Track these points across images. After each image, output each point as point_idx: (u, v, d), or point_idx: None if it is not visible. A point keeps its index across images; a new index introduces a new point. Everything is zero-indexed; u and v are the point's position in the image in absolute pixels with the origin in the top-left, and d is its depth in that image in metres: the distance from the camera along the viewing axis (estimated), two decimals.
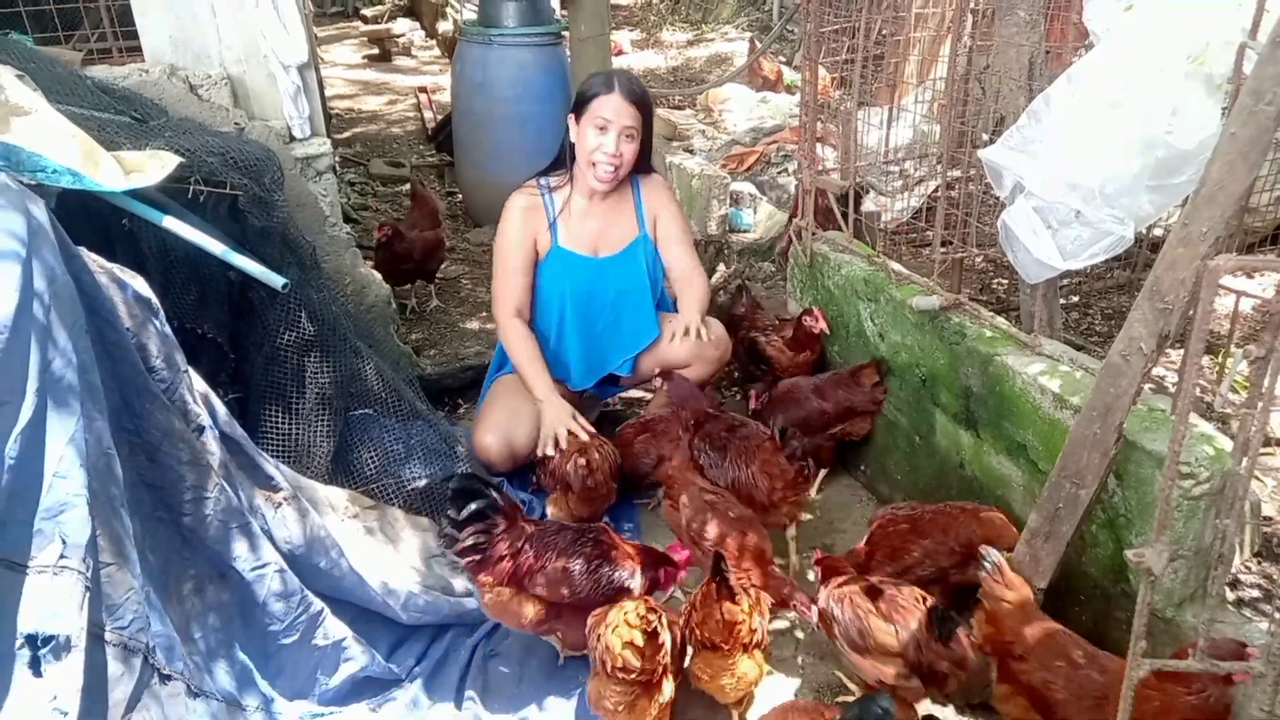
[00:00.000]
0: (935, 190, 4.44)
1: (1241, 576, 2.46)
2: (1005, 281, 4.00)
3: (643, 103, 2.99)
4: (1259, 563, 2.53)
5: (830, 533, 2.97)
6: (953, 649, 2.06)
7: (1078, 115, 1.96)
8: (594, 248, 3.16)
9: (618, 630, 1.98)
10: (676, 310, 3.31)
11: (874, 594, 2.19)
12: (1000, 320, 2.62)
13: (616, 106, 2.93)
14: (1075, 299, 3.94)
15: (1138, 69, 1.91)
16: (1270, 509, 2.63)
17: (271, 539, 2.10)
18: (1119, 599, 2.21)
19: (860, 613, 2.15)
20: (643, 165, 3.21)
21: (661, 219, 3.22)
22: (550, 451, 2.90)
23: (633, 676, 1.97)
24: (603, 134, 2.95)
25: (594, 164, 2.98)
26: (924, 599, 2.14)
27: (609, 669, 1.98)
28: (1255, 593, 2.44)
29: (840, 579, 2.26)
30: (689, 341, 3.15)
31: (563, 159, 3.12)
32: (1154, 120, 1.88)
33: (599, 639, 2.03)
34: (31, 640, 1.42)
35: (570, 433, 2.91)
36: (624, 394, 3.63)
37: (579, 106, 3.01)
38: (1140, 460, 2.04)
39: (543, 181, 3.16)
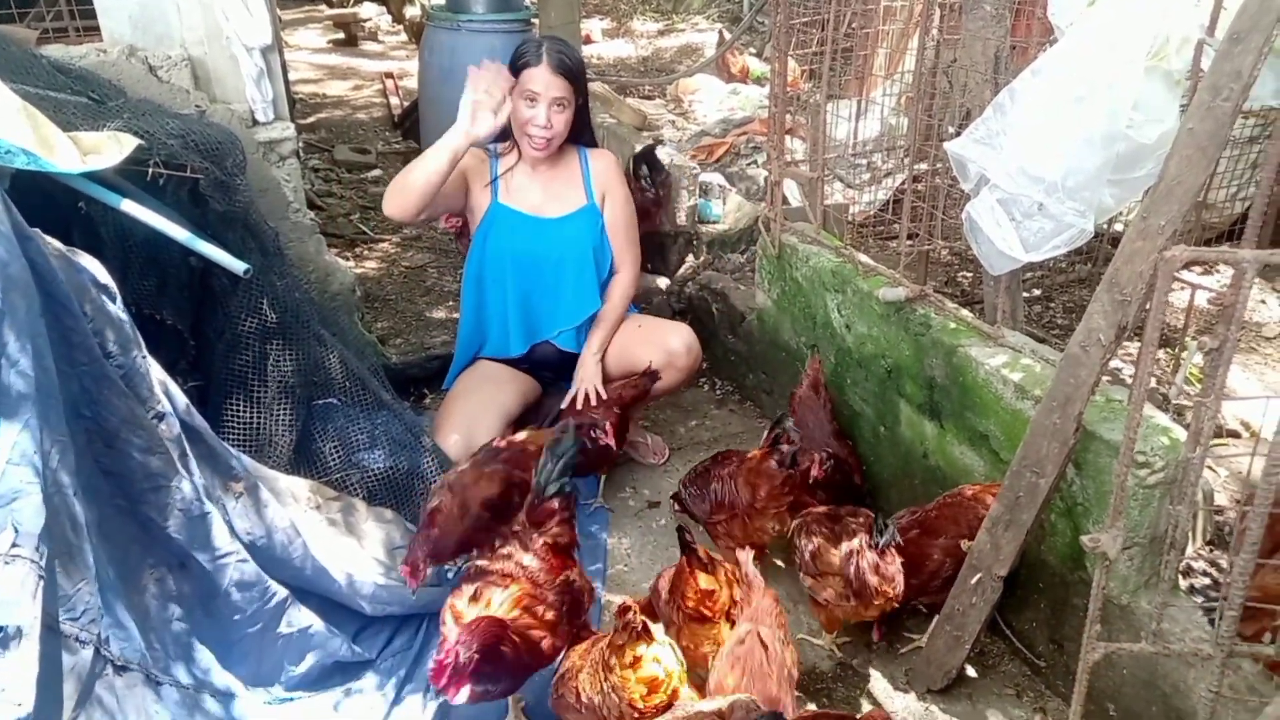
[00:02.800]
0: (902, 183, 4.49)
1: (1193, 564, 2.52)
2: (970, 274, 4.05)
3: (572, 73, 2.98)
4: (1210, 550, 2.59)
5: None
6: (885, 563, 2.27)
7: (1041, 109, 1.99)
8: (537, 208, 3.15)
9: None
10: (633, 308, 3.31)
11: (833, 520, 2.43)
12: (965, 312, 2.65)
13: (545, 79, 2.93)
14: (1037, 292, 3.99)
15: (1100, 64, 1.94)
16: (1222, 498, 2.70)
17: (232, 529, 2.07)
18: (1076, 586, 2.25)
19: (816, 538, 2.39)
20: (586, 137, 3.22)
21: (610, 199, 3.21)
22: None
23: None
24: (532, 106, 2.95)
25: (528, 135, 2.99)
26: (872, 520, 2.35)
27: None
28: (1206, 580, 2.50)
29: (808, 512, 2.50)
30: (659, 348, 3.11)
31: (507, 131, 3.11)
32: (1115, 115, 1.91)
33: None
34: None
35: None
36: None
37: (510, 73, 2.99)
38: (1098, 449, 2.08)
39: (490, 147, 3.16)
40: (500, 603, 2.03)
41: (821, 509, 2.52)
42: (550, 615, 2.07)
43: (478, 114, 2.80)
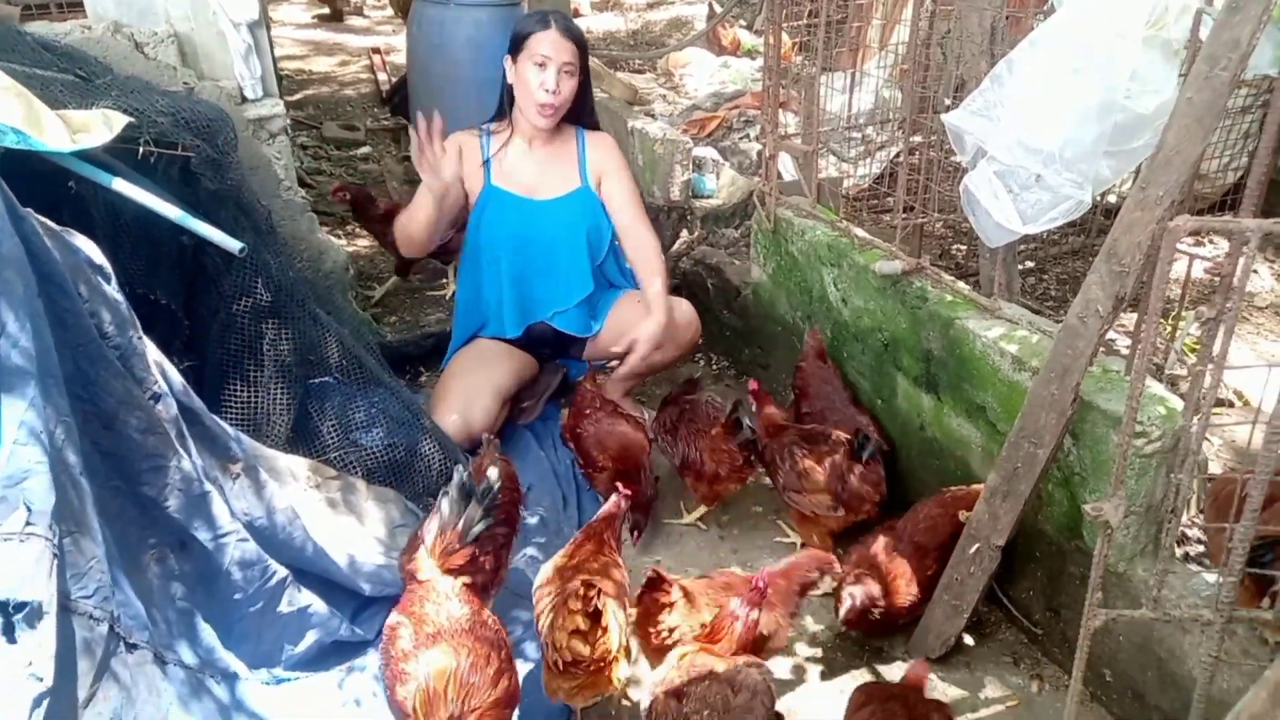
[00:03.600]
0: (897, 156, 4.48)
1: (1188, 532, 2.55)
2: (964, 247, 4.05)
3: (580, 40, 2.97)
4: (1205, 518, 2.61)
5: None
6: (868, 472, 2.54)
7: (1039, 80, 1.98)
8: (530, 191, 3.13)
9: (562, 622, 1.95)
10: (635, 284, 3.29)
11: (811, 440, 2.64)
12: (961, 285, 2.66)
13: (555, 42, 2.91)
14: (1031, 264, 4.00)
15: (1097, 34, 1.93)
16: (1216, 467, 2.72)
17: (231, 509, 2.07)
18: (1073, 555, 2.27)
19: (801, 459, 2.59)
20: (587, 119, 3.19)
21: (607, 180, 3.17)
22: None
23: (584, 666, 1.94)
24: (542, 70, 2.92)
25: (537, 102, 2.95)
26: (849, 438, 2.57)
27: (560, 666, 1.94)
28: (1200, 548, 2.53)
29: (780, 431, 2.70)
30: (651, 323, 3.02)
31: (503, 108, 3.08)
32: (1113, 85, 1.91)
33: (541, 634, 2.00)
34: (3, 606, 1.39)
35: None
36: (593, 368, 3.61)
37: (515, 46, 2.98)
38: (1095, 420, 2.09)
39: (483, 126, 3.13)
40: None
41: (796, 430, 2.71)
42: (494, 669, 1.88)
43: (432, 170, 2.87)
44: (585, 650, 1.94)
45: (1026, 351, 2.31)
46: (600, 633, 1.95)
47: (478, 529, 2.14)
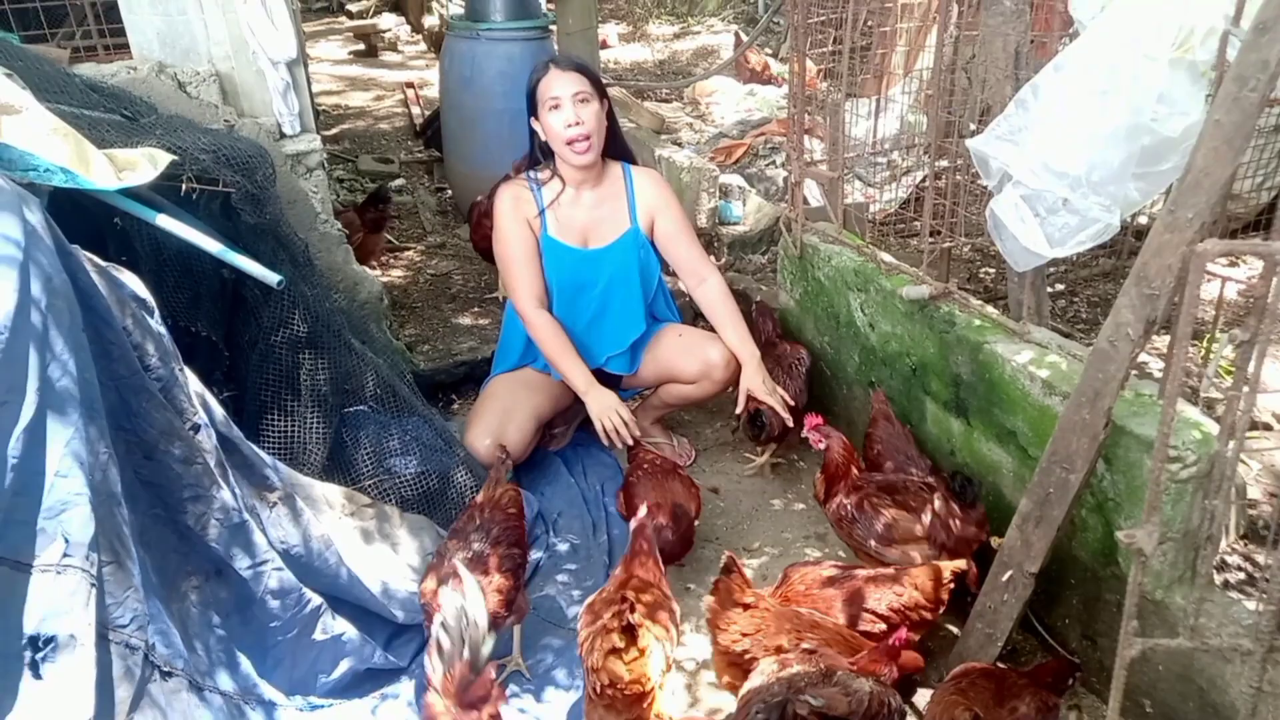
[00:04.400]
0: (922, 181, 4.48)
1: (1227, 559, 2.50)
2: (992, 270, 4.03)
3: (582, 68, 2.98)
4: (1244, 544, 2.56)
5: (823, 522, 2.99)
6: (973, 514, 2.45)
7: (1064, 104, 1.99)
8: (583, 239, 3.14)
9: (600, 642, 1.95)
10: (677, 316, 3.34)
11: (890, 490, 2.53)
12: (989, 309, 2.65)
13: (559, 80, 2.93)
14: (1061, 287, 3.97)
15: (1123, 57, 1.93)
16: (1255, 491, 2.67)
17: (268, 537, 2.10)
18: (1109, 581, 2.24)
19: (887, 511, 2.50)
20: (620, 147, 3.20)
21: (660, 218, 3.17)
22: (606, 443, 2.98)
23: (622, 690, 1.91)
24: (559, 111, 2.94)
25: (567, 142, 2.95)
26: (933, 484, 2.50)
27: (598, 689, 1.93)
28: (1240, 575, 2.48)
29: (848, 483, 2.59)
30: (698, 360, 3.11)
31: (537, 160, 3.12)
32: (1140, 108, 1.91)
33: (584, 658, 2.00)
34: (33, 641, 1.43)
35: (625, 427, 2.94)
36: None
37: (530, 103, 3.01)
38: (1128, 445, 2.07)
39: (530, 175, 3.15)
40: None
41: (874, 480, 2.60)
42: None
43: (604, 428, 2.97)
44: (623, 672, 1.92)
45: (1057, 376, 2.30)
46: (638, 654, 1.94)
47: (487, 650, 2.00)
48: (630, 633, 1.94)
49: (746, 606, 2.13)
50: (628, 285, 3.18)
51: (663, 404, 3.29)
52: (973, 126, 2.67)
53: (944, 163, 3.06)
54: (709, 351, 3.12)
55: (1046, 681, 2.10)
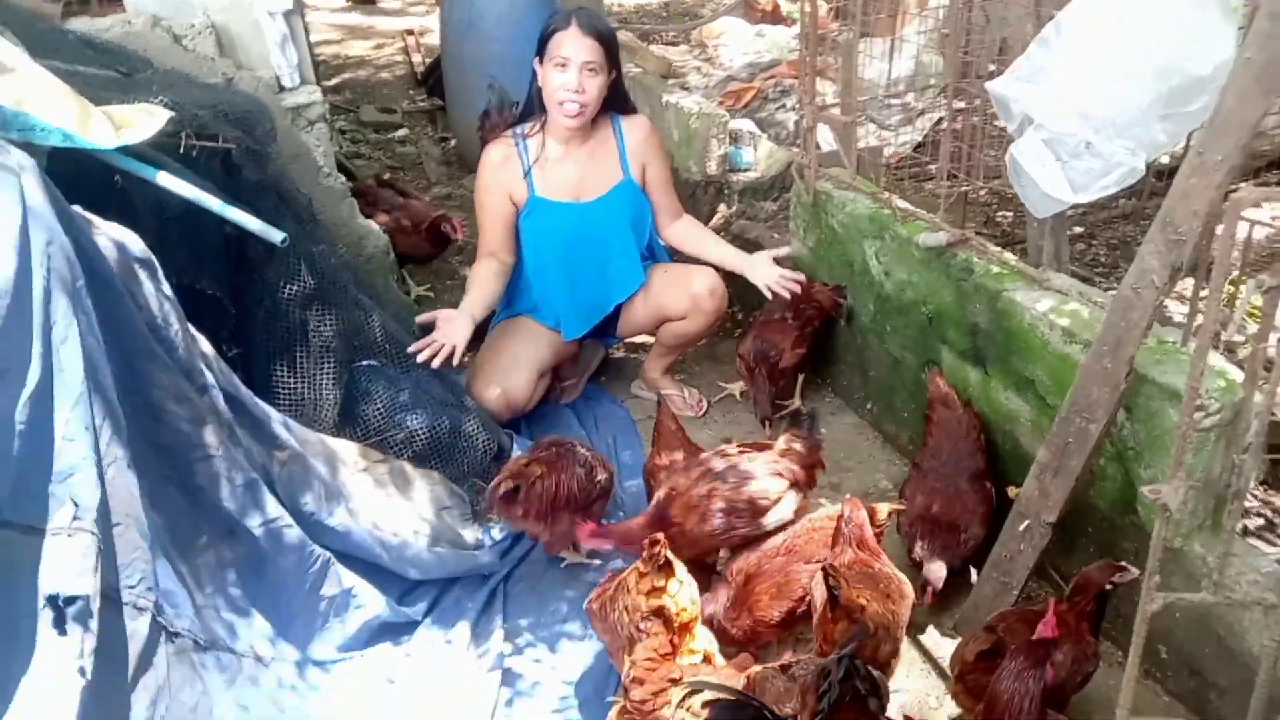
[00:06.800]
0: (938, 123, 4.37)
1: (1247, 504, 2.48)
2: (1010, 214, 3.95)
3: (603, 36, 2.91)
4: (1265, 491, 2.54)
5: (837, 471, 2.99)
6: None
7: (1089, 42, 1.91)
8: (575, 193, 3.10)
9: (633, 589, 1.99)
10: (670, 258, 3.30)
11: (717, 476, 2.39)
12: (1008, 255, 2.59)
13: (575, 42, 2.86)
14: (1079, 230, 3.89)
15: None
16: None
17: (278, 496, 2.10)
18: (1127, 530, 2.23)
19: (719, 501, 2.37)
20: (623, 104, 3.15)
21: (650, 166, 3.17)
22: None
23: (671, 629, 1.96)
24: (563, 71, 2.88)
25: (560, 103, 2.91)
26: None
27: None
28: (1260, 520, 2.46)
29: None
30: (685, 292, 3.11)
31: (532, 107, 3.06)
32: (1168, 46, 1.83)
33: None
34: (53, 600, 1.43)
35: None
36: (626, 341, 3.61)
37: (540, 48, 2.94)
38: (1150, 393, 2.04)
39: (517, 130, 3.10)
40: None
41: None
42: None
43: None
44: (670, 603, 1.95)
45: (1077, 324, 2.25)
46: (678, 584, 1.98)
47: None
48: (667, 570, 1.98)
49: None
50: (623, 236, 3.15)
51: (665, 348, 3.28)
52: (991, 67, 2.59)
53: (961, 104, 2.97)
54: (694, 282, 3.11)
55: (1085, 620, 2.02)
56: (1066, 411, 2.08)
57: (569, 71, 2.87)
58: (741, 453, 2.43)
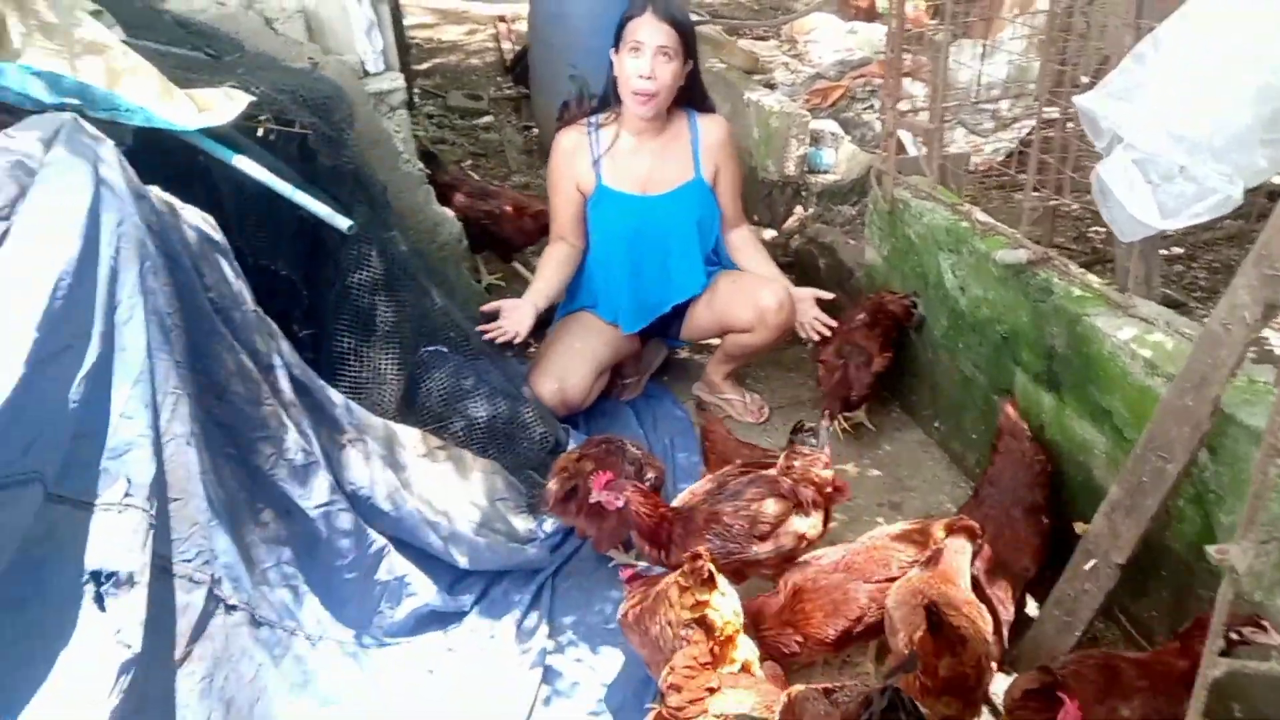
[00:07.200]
0: (1030, 132, 4.20)
1: None
2: (1103, 230, 3.76)
3: (679, 23, 2.87)
4: None
5: (899, 490, 2.90)
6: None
7: (1188, 59, 1.79)
8: (643, 186, 3.08)
9: (674, 604, 1.96)
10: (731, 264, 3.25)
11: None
12: (1091, 277, 2.47)
13: (649, 27, 2.84)
14: (1179, 250, 3.69)
15: (1258, 8, 1.72)
16: None
17: (336, 479, 2.14)
18: (1203, 576, 2.10)
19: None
20: (701, 102, 3.11)
21: (723, 169, 3.13)
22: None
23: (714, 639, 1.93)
24: (637, 56, 2.86)
25: (633, 90, 2.89)
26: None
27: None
28: None
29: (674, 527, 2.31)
30: (751, 304, 3.04)
31: (609, 97, 3.05)
32: (1273, 66, 1.70)
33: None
34: (95, 576, 1.48)
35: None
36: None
37: (617, 36, 2.93)
38: (1236, 435, 1.91)
39: (592, 120, 3.10)
40: None
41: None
42: None
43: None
44: (715, 616, 1.91)
45: (1162, 356, 2.13)
46: (720, 596, 1.94)
47: None
48: (710, 583, 1.94)
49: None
50: (685, 236, 3.12)
51: (727, 357, 3.23)
52: (1086, 79, 2.46)
53: (1054, 113, 2.84)
54: (762, 295, 3.04)
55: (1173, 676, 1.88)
56: (1142, 449, 1.96)
57: (642, 56, 2.85)
58: (743, 473, 2.35)
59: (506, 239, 3.97)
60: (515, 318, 2.93)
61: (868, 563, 2.21)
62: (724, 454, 2.58)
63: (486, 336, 2.89)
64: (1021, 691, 1.93)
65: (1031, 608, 2.39)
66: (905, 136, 3.81)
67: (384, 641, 2.24)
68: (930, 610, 1.84)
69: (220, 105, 2.24)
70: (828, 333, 3.06)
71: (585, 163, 3.08)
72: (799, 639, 2.15)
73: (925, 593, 1.97)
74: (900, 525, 2.33)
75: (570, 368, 3.05)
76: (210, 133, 2.24)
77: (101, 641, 1.43)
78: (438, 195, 3.96)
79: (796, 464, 2.32)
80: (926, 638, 1.85)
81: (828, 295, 3.20)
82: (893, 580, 2.13)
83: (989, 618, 2.05)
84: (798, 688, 1.83)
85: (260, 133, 2.35)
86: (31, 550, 1.42)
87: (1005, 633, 2.18)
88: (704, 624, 1.94)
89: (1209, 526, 2.05)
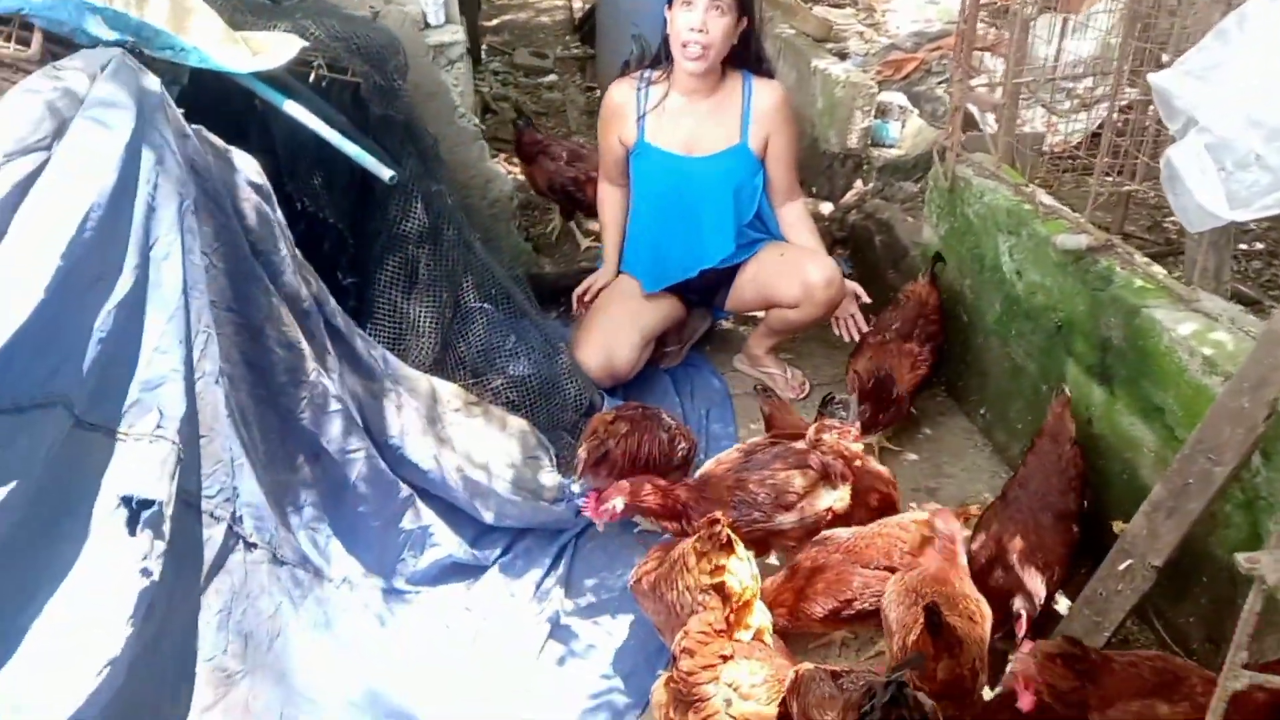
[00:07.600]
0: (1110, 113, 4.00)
1: None
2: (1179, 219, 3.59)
3: None
4: None
5: (937, 475, 2.84)
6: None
7: (1275, 39, 1.67)
8: (685, 146, 3.03)
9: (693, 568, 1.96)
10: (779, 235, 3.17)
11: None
12: (1156, 268, 2.35)
13: None
14: (1260, 246, 3.50)
15: None
16: None
17: (366, 426, 2.16)
18: (1245, 586, 1.99)
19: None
20: (758, 65, 3.03)
21: (775, 137, 3.04)
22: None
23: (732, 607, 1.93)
24: (689, 9, 2.79)
25: (683, 44, 2.83)
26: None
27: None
28: None
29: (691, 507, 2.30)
30: (797, 279, 2.95)
31: (662, 55, 3.00)
32: None
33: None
34: (128, 501, 1.52)
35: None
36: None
37: None
38: None
39: (645, 74, 3.05)
40: None
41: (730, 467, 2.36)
42: None
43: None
44: (733, 581, 1.90)
45: (1222, 354, 2.02)
46: (739, 561, 1.94)
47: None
48: (729, 548, 1.94)
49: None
50: (720, 202, 3.05)
51: (771, 331, 3.17)
52: (1166, 57, 2.32)
53: (1134, 93, 2.69)
54: (809, 270, 2.95)
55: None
56: (1191, 449, 1.87)
57: (695, 9, 2.79)
58: (772, 443, 2.33)
59: (589, 205, 3.92)
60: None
61: (869, 548, 2.18)
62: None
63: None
64: (1044, 653, 1.86)
65: (1062, 605, 2.32)
66: (977, 113, 3.67)
67: (405, 589, 2.28)
68: (930, 611, 1.80)
69: (274, 49, 2.25)
70: (856, 336, 3.01)
71: (630, 117, 3.05)
72: (785, 611, 2.15)
73: (922, 593, 1.92)
74: (911, 515, 2.27)
75: (618, 339, 3.02)
76: (262, 76, 2.26)
77: (124, 569, 1.47)
78: (521, 155, 3.97)
79: (826, 437, 2.27)
80: (925, 639, 1.81)
81: (866, 298, 3.10)
82: (891, 570, 2.09)
83: (987, 612, 1.99)
84: (806, 666, 1.81)
85: (312, 78, 2.36)
86: (60, 474, 1.46)
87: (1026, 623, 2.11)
88: (721, 590, 1.94)
89: (1256, 534, 1.95)
